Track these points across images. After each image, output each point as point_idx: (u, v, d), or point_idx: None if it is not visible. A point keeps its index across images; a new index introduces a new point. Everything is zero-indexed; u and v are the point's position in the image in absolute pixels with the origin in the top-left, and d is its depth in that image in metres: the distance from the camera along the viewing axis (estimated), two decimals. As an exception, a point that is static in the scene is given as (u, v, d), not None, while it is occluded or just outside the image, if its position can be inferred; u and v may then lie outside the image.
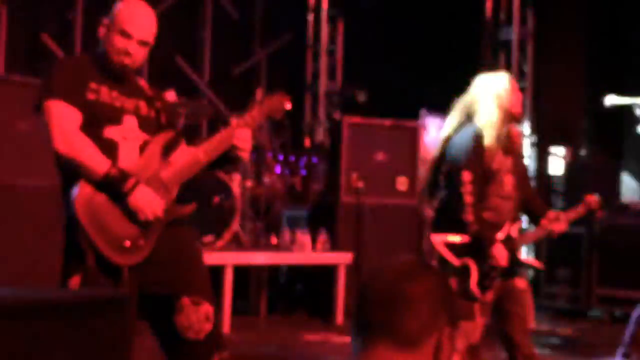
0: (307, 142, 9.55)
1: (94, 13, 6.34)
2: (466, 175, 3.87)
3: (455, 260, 3.92)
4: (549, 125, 9.66)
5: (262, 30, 9.37)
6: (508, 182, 4.01)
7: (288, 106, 3.37)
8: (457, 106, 4.09)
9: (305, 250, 6.95)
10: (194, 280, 3.19)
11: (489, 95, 3.97)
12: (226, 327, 6.24)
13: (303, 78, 9.80)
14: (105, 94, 3.14)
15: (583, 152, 9.59)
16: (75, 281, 3.00)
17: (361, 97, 8.48)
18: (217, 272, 6.17)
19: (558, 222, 4.07)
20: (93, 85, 3.11)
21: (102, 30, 3.19)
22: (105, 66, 3.17)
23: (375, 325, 1.67)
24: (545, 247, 7.91)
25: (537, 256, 7.78)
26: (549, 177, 9.54)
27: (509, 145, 4.01)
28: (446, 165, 4.03)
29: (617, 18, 9.46)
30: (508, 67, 9.54)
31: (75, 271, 3.01)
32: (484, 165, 3.93)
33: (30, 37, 7.58)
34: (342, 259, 6.95)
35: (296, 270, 7.58)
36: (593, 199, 4.17)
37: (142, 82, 3.33)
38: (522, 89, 7.16)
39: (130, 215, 3.04)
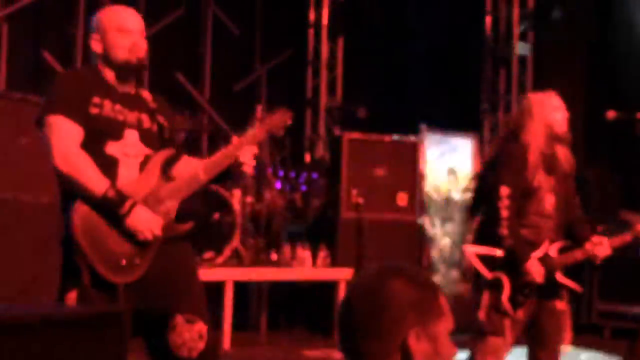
0: (307, 158, 9.55)
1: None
2: (503, 190, 3.88)
3: (487, 273, 3.92)
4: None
5: (262, 46, 9.38)
6: (548, 201, 4.00)
7: (289, 122, 3.36)
8: (504, 124, 4.11)
9: (306, 266, 6.94)
10: (189, 299, 3.17)
11: (535, 114, 4.00)
12: (227, 343, 6.23)
13: (303, 94, 9.80)
14: (108, 107, 3.12)
15: (583, 167, 9.57)
16: (72, 297, 2.99)
17: (362, 113, 8.49)
18: (217, 288, 6.17)
19: (602, 246, 4.02)
20: (96, 99, 3.09)
21: (95, 44, 3.18)
22: (110, 77, 3.16)
23: (346, 352, 1.82)
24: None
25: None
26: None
27: (553, 164, 4.01)
28: (490, 181, 4.04)
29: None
30: (508, 84, 9.57)
31: (72, 287, 3.01)
32: (524, 183, 3.93)
33: (31, 53, 7.60)
34: (343, 274, 6.94)
35: (296, 286, 7.57)
36: None
37: (146, 94, 3.31)
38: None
39: (128, 235, 3.03)
